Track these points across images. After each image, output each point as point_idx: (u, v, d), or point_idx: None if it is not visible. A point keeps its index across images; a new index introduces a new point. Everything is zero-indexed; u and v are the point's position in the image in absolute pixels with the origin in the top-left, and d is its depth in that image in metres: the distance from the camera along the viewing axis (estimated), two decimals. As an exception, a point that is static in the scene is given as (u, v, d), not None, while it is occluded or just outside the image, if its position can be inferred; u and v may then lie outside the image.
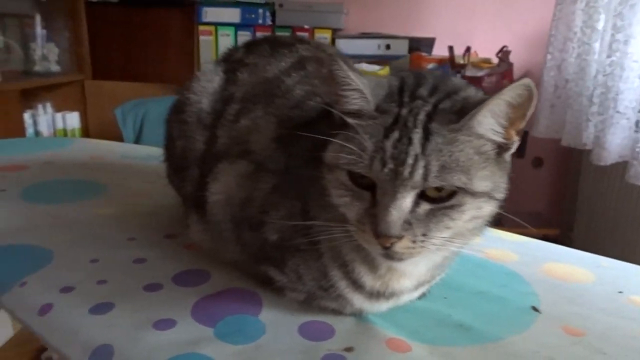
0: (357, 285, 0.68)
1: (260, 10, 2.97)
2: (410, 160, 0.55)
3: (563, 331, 0.72)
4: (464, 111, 0.57)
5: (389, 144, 0.56)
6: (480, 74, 2.50)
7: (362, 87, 0.59)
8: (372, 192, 0.58)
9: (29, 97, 2.86)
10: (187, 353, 0.64)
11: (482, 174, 0.57)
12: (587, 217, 2.58)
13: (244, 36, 2.93)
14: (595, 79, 2.16)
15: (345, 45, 2.80)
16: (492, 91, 0.57)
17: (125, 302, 0.74)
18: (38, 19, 2.97)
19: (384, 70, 2.55)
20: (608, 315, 0.76)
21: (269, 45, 0.89)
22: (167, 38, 3.17)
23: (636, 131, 2.03)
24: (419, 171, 0.55)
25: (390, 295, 0.70)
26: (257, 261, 0.76)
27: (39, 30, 2.98)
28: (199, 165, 0.85)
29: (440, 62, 2.63)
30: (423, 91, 0.60)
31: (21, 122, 2.76)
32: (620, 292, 0.83)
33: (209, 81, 0.87)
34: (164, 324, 0.69)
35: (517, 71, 2.62)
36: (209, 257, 0.86)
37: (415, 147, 0.55)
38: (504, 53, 2.58)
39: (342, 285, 0.68)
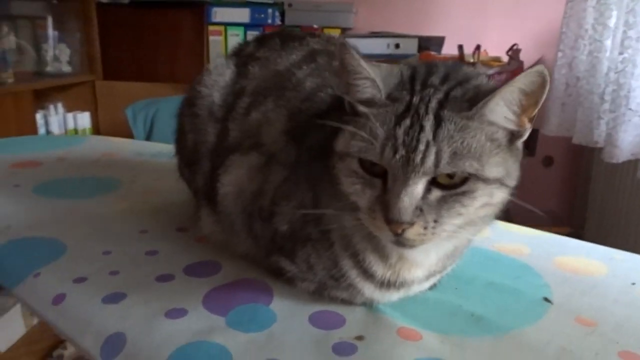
0: (368, 275, 0.68)
1: (270, 10, 2.98)
2: (421, 147, 0.55)
3: (576, 322, 0.71)
4: (476, 99, 0.57)
5: (400, 131, 0.56)
6: (490, 72, 2.48)
7: (374, 76, 0.59)
8: (384, 180, 0.58)
9: (41, 98, 2.89)
10: (199, 341, 0.65)
11: (494, 161, 0.56)
12: (598, 215, 2.56)
13: (254, 36, 2.93)
14: (606, 76, 2.14)
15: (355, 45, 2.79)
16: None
17: (137, 292, 0.75)
18: (50, 20, 3.00)
19: (394, 69, 2.55)
20: (621, 306, 0.75)
21: (280, 39, 0.89)
22: (177, 38, 3.19)
23: (648, 128, 2.01)
24: (431, 157, 0.55)
25: (401, 285, 0.70)
26: (268, 252, 0.76)
27: (51, 31, 3.02)
28: (210, 158, 0.85)
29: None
30: (435, 79, 0.60)
31: (33, 122, 2.78)
32: (633, 283, 0.82)
33: (220, 75, 0.88)
34: (176, 313, 0.70)
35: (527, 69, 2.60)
36: (220, 250, 0.86)
37: (427, 134, 0.55)
38: (514, 51, 2.56)
39: (353, 274, 0.68)
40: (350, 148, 0.60)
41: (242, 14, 2.99)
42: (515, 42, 2.57)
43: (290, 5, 2.98)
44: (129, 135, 2.68)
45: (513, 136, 0.59)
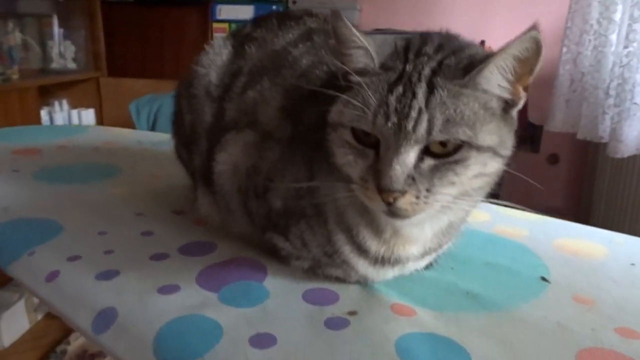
0: (362, 250, 0.68)
1: (274, 7, 2.99)
2: (413, 114, 0.54)
3: (573, 300, 0.70)
4: (470, 67, 0.56)
5: (392, 99, 0.55)
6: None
7: (366, 44, 0.59)
8: (376, 151, 0.57)
9: (46, 94, 2.91)
10: (190, 314, 0.64)
11: (487, 128, 0.56)
12: (604, 211, 2.53)
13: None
14: (612, 71, 2.13)
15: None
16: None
17: (131, 270, 0.74)
18: (55, 18, 3.03)
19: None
20: (620, 286, 0.74)
21: (277, 19, 0.89)
22: (182, 36, 3.20)
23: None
24: (423, 125, 0.54)
25: (396, 261, 0.69)
26: (263, 230, 0.76)
27: (56, 29, 3.05)
28: (207, 138, 0.85)
29: (455, 57, 2.61)
30: (429, 49, 0.60)
31: (38, 118, 2.80)
32: (633, 264, 0.81)
33: (217, 54, 0.87)
34: (169, 289, 0.69)
35: (532, 66, 2.59)
36: (216, 231, 0.86)
37: (419, 101, 0.55)
38: (518, 47, 2.54)
39: (347, 250, 0.68)
40: (343, 117, 0.59)
41: (247, 11, 3.00)
42: (520, 38, 2.55)
43: (294, 2, 2.98)
44: (133, 131, 2.69)
45: (507, 105, 0.58)
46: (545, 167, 2.97)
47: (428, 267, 0.76)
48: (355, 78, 0.59)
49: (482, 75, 0.56)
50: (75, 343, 2.10)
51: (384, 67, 0.59)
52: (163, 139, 1.42)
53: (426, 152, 0.56)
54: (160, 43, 3.22)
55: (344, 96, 0.59)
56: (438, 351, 0.58)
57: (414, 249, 0.69)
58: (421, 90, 0.55)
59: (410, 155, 0.55)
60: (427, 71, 0.57)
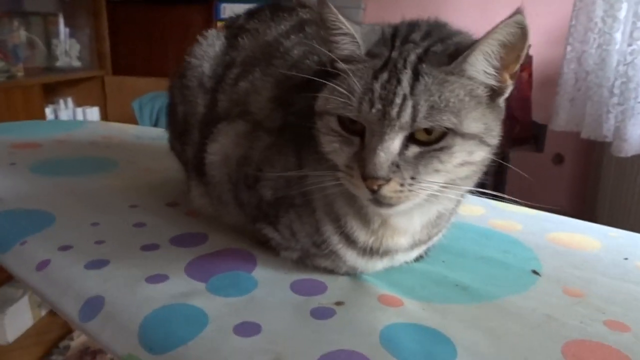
0: (350, 241, 0.67)
1: (278, 6, 2.98)
2: (398, 100, 0.54)
3: (563, 292, 0.69)
4: (456, 54, 0.56)
5: (377, 85, 0.55)
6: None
7: (353, 31, 0.58)
8: (362, 138, 0.57)
9: (51, 92, 2.92)
10: (177, 303, 0.64)
11: (472, 116, 0.55)
12: (608, 210, 2.51)
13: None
14: (616, 69, 2.10)
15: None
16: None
17: (120, 260, 0.74)
18: (61, 16, 3.04)
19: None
20: (611, 279, 0.73)
21: (270, 11, 0.89)
22: (186, 35, 3.20)
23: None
24: (407, 111, 0.54)
25: (385, 253, 0.69)
26: (254, 220, 0.76)
27: (62, 27, 3.06)
28: (200, 129, 0.85)
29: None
30: (416, 36, 0.60)
31: (43, 116, 2.81)
32: (625, 258, 0.80)
33: (210, 45, 0.88)
34: (157, 279, 0.69)
35: (536, 64, 2.57)
36: (208, 222, 0.86)
37: (404, 88, 0.54)
38: (522, 46, 2.53)
39: (335, 240, 0.67)
40: (329, 105, 0.59)
41: (251, 10, 3.00)
42: (524, 36, 2.54)
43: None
44: (137, 128, 2.70)
45: (494, 93, 0.58)
46: (550, 166, 2.95)
47: (418, 259, 0.75)
48: (341, 65, 0.58)
49: (467, 61, 0.55)
50: (79, 339, 2.10)
51: (370, 54, 0.58)
52: (161, 134, 1.41)
53: (411, 139, 0.55)
54: (164, 42, 3.23)
55: (330, 84, 0.59)
56: (423, 341, 0.57)
57: (402, 240, 0.68)
58: (406, 77, 0.55)
59: (394, 143, 0.55)
60: (412, 58, 0.56)
